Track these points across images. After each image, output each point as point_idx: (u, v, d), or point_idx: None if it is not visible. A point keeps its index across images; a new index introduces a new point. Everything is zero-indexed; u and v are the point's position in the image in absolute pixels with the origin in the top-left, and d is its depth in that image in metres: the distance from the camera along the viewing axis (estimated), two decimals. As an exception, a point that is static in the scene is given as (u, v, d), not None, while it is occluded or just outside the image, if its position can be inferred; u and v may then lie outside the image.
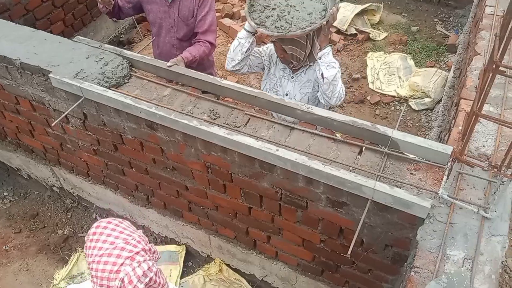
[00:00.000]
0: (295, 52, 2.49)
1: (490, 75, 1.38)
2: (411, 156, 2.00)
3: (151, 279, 1.32)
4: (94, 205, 3.67)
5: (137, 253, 1.32)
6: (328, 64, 2.44)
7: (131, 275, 1.28)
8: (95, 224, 1.42)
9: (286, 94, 2.72)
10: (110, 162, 2.97)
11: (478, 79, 2.38)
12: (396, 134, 1.98)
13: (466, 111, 2.21)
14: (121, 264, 1.29)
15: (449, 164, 1.91)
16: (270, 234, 2.60)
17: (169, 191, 2.86)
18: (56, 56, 2.60)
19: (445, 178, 1.86)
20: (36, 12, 4.42)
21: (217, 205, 2.69)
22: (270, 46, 2.75)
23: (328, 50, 2.46)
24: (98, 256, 1.32)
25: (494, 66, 1.33)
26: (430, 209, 1.76)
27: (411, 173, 1.93)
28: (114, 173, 3.06)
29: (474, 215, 1.78)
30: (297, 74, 2.69)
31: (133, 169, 2.90)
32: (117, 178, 3.12)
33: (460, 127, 2.15)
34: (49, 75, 2.46)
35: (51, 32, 4.51)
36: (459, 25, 5.79)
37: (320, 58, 2.46)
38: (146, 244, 1.37)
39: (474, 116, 1.51)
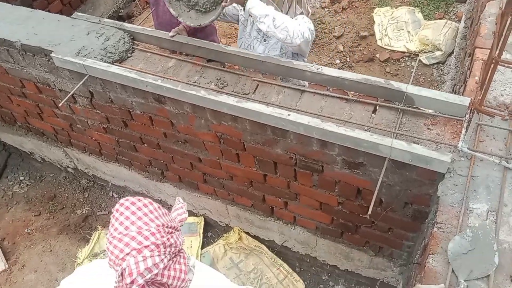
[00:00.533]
0: (271, 5, 2.26)
1: (510, 18, 1.31)
2: (427, 110, 1.94)
3: (156, 275, 1.26)
4: (110, 183, 3.69)
5: (146, 246, 1.26)
6: (259, 19, 2.17)
7: (133, 268, 1.24)
8: (121, 200, 1.36)
9: None
10: (122, 139, 2.96)
11: (496, 24, 2.28)
12: (410, 89, 1.92)
13: (483, 59, 2.13)
14: (127, 254, 1.25)
15: (467, 116, 1.85)
16: (287, 200, 2.59)
17: (183, 164, 2.85)
18: (56, 35, 2.54)
19: (463, 130, 1.81)
20: (32, -8, 4.33)
21: (231, 174, 2.67)
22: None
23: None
24: (111, 237, 1.30)
25: (514, 8, 1.25)
26: (450, 163, 1.71)
27: (428, 128, 1.87)
28: (126, 150, 3.05)
29: (496, 167, 1.73)
30: (269, 37, 2.51)
31: (145, 144, 2.88)
32: (129, 155, 3.11)
33: (477, 77, 2.07)
34: (51, 54, 2.42)
35: (49, 11, 4.42)
36: (468, -28, 5.56)
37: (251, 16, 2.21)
38: (161, 237, 1.29)
39: (493, 64, 1.44)
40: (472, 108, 1.76)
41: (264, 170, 2.45)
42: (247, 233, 3.19)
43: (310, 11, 2.53)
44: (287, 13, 2.37)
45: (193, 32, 2.66)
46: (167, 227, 1.33)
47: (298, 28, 2.17)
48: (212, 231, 3.44)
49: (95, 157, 3.42)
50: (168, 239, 1.31)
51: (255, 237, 3.18)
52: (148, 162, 3.08)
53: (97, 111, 2.78)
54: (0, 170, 4.06)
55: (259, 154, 2.35)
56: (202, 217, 3.37)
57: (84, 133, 3.15)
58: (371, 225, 2.35)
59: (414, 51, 4.66)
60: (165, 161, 2.96)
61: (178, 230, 1.41)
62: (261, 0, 2.19)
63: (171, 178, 3.12)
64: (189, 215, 3.34)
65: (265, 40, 2.55)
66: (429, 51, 4.59)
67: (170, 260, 1.31)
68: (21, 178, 4.05)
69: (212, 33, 3.20)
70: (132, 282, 1.24)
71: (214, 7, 2.25)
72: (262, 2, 2.17)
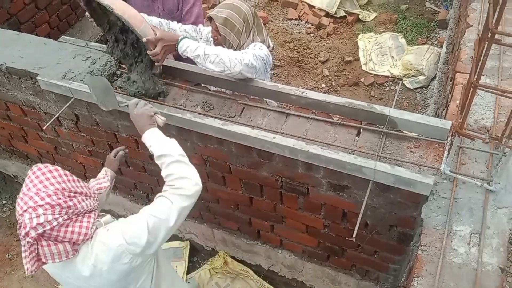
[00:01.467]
0: (229, 36, 2.29)
1: (486, 44, 1.35)
2: (410, 134, 1.97)
3: (51, 229, 1.49)
4: (94, 207, 3.64)
5: (41, 205, 1.48)
6: (194, 59, 2.17)
7: (27, 222, 1.46)
8: (33, 167, 1.58)
9: None
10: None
11: (474, 49, 2.34)
12: (393, 112, 1.95)
13: (463, 84, 2.18)
14: (24, 211, 1.48)
15: (449, 139, 1.88)
16: (273, 223, 2.58)
17: (168, 187, 2.83)
18: (42, 58, 2.55)
19: (446, 153, 1.84)
20: (20, 15, 4.33)
21: (217, 197, 2.66)
22: (210, 29, 2.50)
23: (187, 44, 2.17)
24: (18, 196, 1.54)
25: (489, 34, 1.29)
26: (433, 185, 1.74)
27: (411, 151, 1.90)
28: (111, 173, 3.02)
29: (478, 189, 1.76)
30: None
31: (130, 167, 2.86)
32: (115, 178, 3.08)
33: (458, 101, 2.12)
34: (37, 77, 2.42)
35: (36, 35, 4.41)
36: (448, 0, 5.74)
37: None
38: (58, 199, 1.51)
39: (472, 88, 1.48)
40: (454, 131, 1.79)
41: (250, 193, 2.45)
42: (233, 257, 3.15)
43: (272, 45, 2.51)
44: (244, 44, 2.35)
45: (179, 56, 2.67)
46: (68, 191, 1.55)
47: (235, 56, 2.10)
48: (198, 256, 3.39)
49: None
50: (65, 201, 1.52)
51: (241, 262, 3.14)
52: (133, 186, 3.06)
53: (83, 134, 2.77)
54: (-18, 194, 3.98)
55: (245, 177, 2.35)
56: (188, 241, 3.33)
57: (69, 156, 3.12)
58: (357, 248, 2.34)
59: (398, 76, 4.76)
60: (150, 184, 2.93)
61: (88, 196, 1.64)
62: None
63: (157, 201, 3.09)
64: (175, 240, 3.31)
65: None
66: (412, 76, 4.70)
67: (68, 219, 1.54)
68: (4, 202, 3.98)
69: None
70: (26, 234, 1.48)
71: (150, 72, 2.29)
72: (192, 42, 2.15)
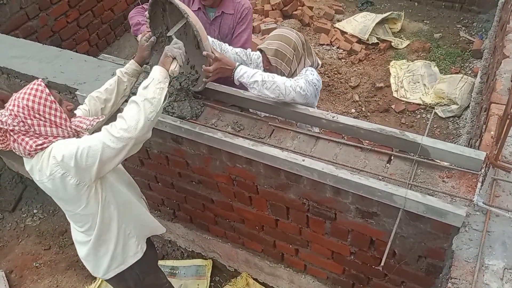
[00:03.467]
0: (280, 65, 2.35)
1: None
2: (442, 163, 1.94)
3: (8, 129, 1.84)
4: (121, 221, 3.70)
5: (9, 110, 1.83)
6: (249, 86, 2.23)
7: None
8: (37, 80, 1.89)
9: None
10: (136, 177, 2.97)
11: (511, 81, 2.31)
12: (426, 140, 1.93)
13: (498, 115, 2.14)
14: (2, 107, 1.89)
15: (482, 170, 1.84)
16: (298, 247, 2.56)
17: (195, 204, 2.86)
18: (82, 74, 2.65)
19: (479, 184, 1.80)
20: (62, 33, 4.54)
21: (243, 218, 2.66)
22: (260, 54, 2.57)
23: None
24: None
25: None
26: (465, 217, 1.70)
27: (443, 181, 1.87)
28: (140, 188, 3.07)
29: (512, 223, 1.71)
30: None
31: (159, 183, 2.91)
32: (143, 193, 3.12)
33: (492, 132, 2.08)
34: (76, 92, 2.51)
35: (76, 51, 4.60)
36: (483, 30, 5.68)
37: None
38: (23, 113, 1.82)
39: (508, 119, 1.46)
40: (488, 163, 1.75)
41: (276, 214, 2.44)
42: (255, 279, 3.13)
43: (320, 62, 2.59)
44: (295, 70, 2.41)
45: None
46: (36, 112, 1.82)
47: (290, 83, 2.18)
48: (220, 275, 3.38)
49: (109, 193, 3.44)
50: (26, 118, 1.82)
51: (263, 284, 3.11)
52: (161, 201, 3.10)
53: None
54: (15, 202, 4.10)
55: (272, 198, 2.36)
56: (211, 260, 3.33)
57: (100, 170, 3.19)
58: (383, 278, 2.29)
59: (429, 104, 4.70)
60: (177, 200, 2.97)
61: (56, 124, 1.88)
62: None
63: (183, 218, 3.12)
64: (198, 257, 3.32)
65: None
66: (444, 104, 4.63)
67: (25, 132, 1.84)
68: (35, 211, 4.08)
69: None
70: None
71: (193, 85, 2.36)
72: (249, 69, 2.22)
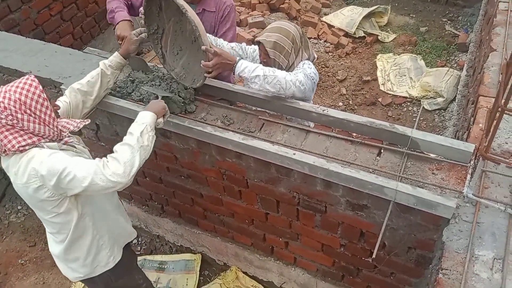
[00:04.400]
0: (278, 58, 2.34)
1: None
2: (432, 155, 1.95)
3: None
4: (108, 216, 3.65)
5: None
6: (251, 80, 2.19)
7: None
8: (29, 75, 1.83)
9: None
10: (124, 172, 2.95)
11: (501, 73, 2.32)
12: (416, 133, 1.94)
13: (487, 108, 2.16)
14: None
15: (472, 162, 1.86)
16: (288, 240, 2.56)
17: (184, 199, 2.83)
18: (67, 67, 2.60)
19: (469, 176, 1.81)
20: (45, 26, 4.44)
21: (232, 212, 2.65)
22: (255, 48, 2.59)
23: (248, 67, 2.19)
24: None
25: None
26: (455, 209, 1.71)
27: (433, 173, 1.88)
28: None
29: (501, 214, 1.72)
30: None
31: (147, 178, 2.88)
32: (130, 188, 3.10)
33: (481, 125, 2.10)
34: (61, 86, 2.46)
35: (60, 45, 4.51)
36: (468, 24, 5.74)
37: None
38: (14, 107, 1.72)
39: (499, 112, 1.47)
40: (478, 155, 1.77)
41: (266, 208, 2.44)
42: (245, 273, 3.12)
43: (316, 55, 2.58)
44: (293, 63, 2.41)
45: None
46: (27, 107, 1.75)
47: (290, 78, 2.17)
48: (209, 270, 3.37)
49: (96, 189, 3.40)
50: (16, 111, 1.73)
51: (253, 278, 3.11)
52: (149, 196, 3.07)
53: (102, 143, 2.79)
54: (-2, 198, 4.02)
55: (262, 192, 2.35)
56: (200, 254, 3.31)
57: (86, 165, 3.14)
58: (373, 269, 2.31)
59: (416, 97, 4.74)
60: (166, 195, 2.94)
61: (44, 122, 1.81)
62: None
63: (171, 213, 3.10)
64: (187, 252, 3.30)
65: None
66: (431, 97, 4.67)
67: (11, 126, 1.75)
68: (19, 207, 4.01)
69: (226, 77, 3.17)
70: None
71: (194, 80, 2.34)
72: (249, 63, 2.19)
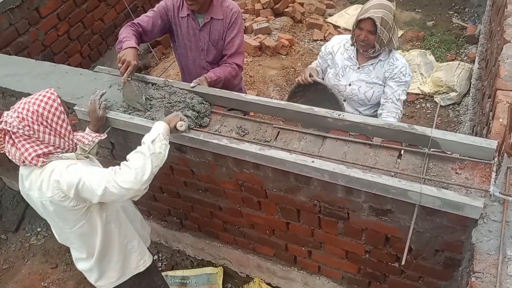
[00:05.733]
0: (382, 34, 2.43)
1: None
2: (453, 154, 1.90)
3: (11, 131, 1.82)
4: (127, 233, 3.65)
5: (18, 112, 1.83)
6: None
7: (4, 115, 1.84)
8: (50, 89, 1.94)
9: (349, 85, 2.67)
10: (141, 189, 2.94)
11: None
12: (435, 133, 1.89)
13: (506, 102, 2.11)
14: (12, 108, 1.88)
15: (495, 159, 1.81)
16: (311, 249, 2.52)
17: (203, 212, 2.81)
18: (79, 88, 2.60)
19: (493, 174, 1.76)
20: (53, 47, 4.49)
21: (253, 223, 2.62)
22: (327, 45, 2.82)
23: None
24: None
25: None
26: (483, 208, 1.66)
27: (456, 173, 1.83)
28: (145, 199, 3.03)
29: (531, 211, 1.67)
30: (363, 66, 2.64)
31: (165, 193, 2.86)
32: (148, 205, 3.09)
33: (501, 120, 2.05)
34: (74, 107, 2.46)
35: (69, 64, 4.56)
36: (475, 15, 5.67)
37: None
38: (31, 118, 1.82)
39: (524, 107, 1.42)
40: (504, 152, 1.72)
41: (287, 218, 2.40)
42: (268, 284, 3.09)
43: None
44: (391, 38, 2.53)
45: (214, 84, 2.68)
46: (44, 119, 1.84)
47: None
48: (232, 282, 3.34)
49: (114, 207, 3.40)
50: (33, 122, 1.82)
51: (277, 288, 3.08)
52: (167, 211, 3.05)
53: (117, 161, 2.78)
54: (17, 221, 4.04)
55: (282, 202, 2.32)
56: (222, 267, 3.28)
57: (103, 183, 3.15)
58: (400, 274, 2.26)
59: (428, 93, 4.68)
60: (184, 210, 2.93)
61: (60, 135, 1.91)
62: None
63: (190, 227, 3.08)
64: (208, 266, 3.28)
65: (358, 68, 2.66)
66: (443, 93, 4.61)
67: (27, 137, 1.83)
68: (38, 229, 4.02)
69: (237, 84, 3.19)
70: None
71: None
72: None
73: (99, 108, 2.31)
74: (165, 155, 1.99)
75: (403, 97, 2.59)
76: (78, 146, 2.12)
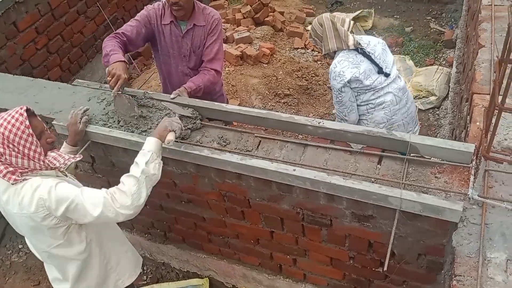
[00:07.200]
0: (314, 42, 2.93)
1: (510, 67, 1.33)
2: (432, 159, 1.93)
3: None
4: (111, 247, 3.60)
5: None
6: None
7: None
8: (19, 108, 1.83)
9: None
10: (123, 202, 2.91)
11: (494, 72, 2.32)
12: (414, 138, 1.92)
13: (482, 105, 2.15)
14: None
15: (473, 162, 1.84)
16: (296, 257, 2.52)
17: (187, 224, 2.79)
18: (57, 102, 2.57)
19: (472, 177, 1.79)
20: (32, 60, 4.43)
21: (237, 233, 2.61)
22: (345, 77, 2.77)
23: None
24: None
25: (513, 57, 1.27)
26: (462, 212, 1.68)
27: (435, 177, 1.85)
28: (128, 212, 3.00)
29: (509, 213, 1.70)
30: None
31: (147, 206, 2.82)
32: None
33: (478, 123, 2.08)
34: (53, 122, 2.43)
35: (48, 78, 4.51)
36: (452, 20, 5.78)
37: None
38: None
39: (497, 111, 1.45)
40: (481, 155, 1.75)
41: (271, 226, 2.40)
42: (255, 293, 3.07)
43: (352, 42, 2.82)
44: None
45: (194, 93, 2.67)
46: (10, 142, 1.76)
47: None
48: (218, 293, 3.31)
49: (96, 221, 3.35)
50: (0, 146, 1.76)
51: (263, 297, 3.06)
52: (151, 224, 3.02)
53: (99, 175, 2.76)
54: (-2, 239, 3.96)
55: (265, 211, 2.31)
56: (207, 278, 3.25)
57: (85, 198, 3.10)
58: (385, 279, 2.27)
59: (408, 98, 4.73)
60: (168, 222, 2.90)
61: (29, 157, 1.81)
62: None
63: (174, 239, 3.05)
64: (194, 277, 3.24)
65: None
66: (423, 97, 4.67)
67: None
68: (20, 246, 3.94)
69: (219, 91, 3.21)
70: None
71: None
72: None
73: (79, 121, 2.28)
74: (159, 175, 2.00)
75: (335, 99, 2.75)
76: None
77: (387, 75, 2.82)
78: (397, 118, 2.86)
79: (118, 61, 2.40)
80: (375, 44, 2.85)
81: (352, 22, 2.62)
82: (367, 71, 2.75)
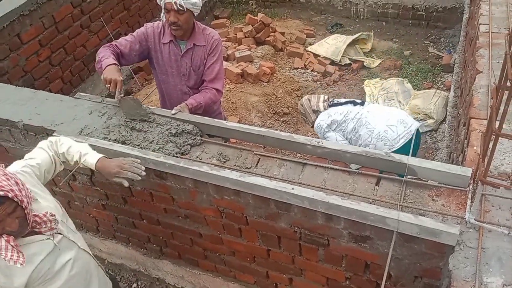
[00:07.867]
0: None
1: (507, 93, 1.36)
2: (429, 181, 1.95)
3: None
4: (106, 261, 3.57)
5: None
6: None
7: None
8: None
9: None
10: (120, 216, 2.91)
11: (491, 98, 2.35)
12: (412, 160, 1.94)
13: (479, 130, 2.18)
14: None
15: (470, 186, 1.86)
16: (292, 276, 2.51)
17: (183, 240, 2.79)
18: (58, 114, 2.59)
19: (469, 201, 1.81)
20: (34, 72, 4.46)
21: (233, 250, 2.60)
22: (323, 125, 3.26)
23: None
24: None
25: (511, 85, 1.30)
26: (459, 235, 1.69)
27: (433, 200, 1.87)
28: (124, 226, 2.99)
29: (505, 237, 1.71)
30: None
31: (144, 220, 2.83)
32: (128, 231, 3.05)
33: (475, 147, 2.11)
34: (54, 134, 2.44)
35: (50, 90, 4.54)
36: (450, 44, 5.87)
37: None
38: None
39: (494, 137, 1.47)
40: (478, 180, 1.77)
41: (268, 245, 2.40)
42: (249, 311, 3.05)
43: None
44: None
45: (195, 110, 2.70)
46: None
47: None
48: (212, 310, 3.28)
49: (92, 234, 3.34)
50: None
51: (258, 316, 3.03)
52: (147, 239, 3.01)
53: (97, 188, 2.76)
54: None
55: (262, 229, 2.31)
56: (202, 295, 3.23)
57: (82, 210, 3.10)
58: (380, 301, 2.26)
59: (406, 120, 4.77)
60: (164, 237, 2.89)
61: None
62: None
63: (170, 254, 3.04)
64: (189, 294, 3.22)
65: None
66: (421, 120, 4.71)
67: None
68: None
69: (217, 109, 3.23)
70: None
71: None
72: None
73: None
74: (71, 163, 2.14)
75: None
76: None
77: (362, 103, 3.25)
78: (380, 128, 3.04)
79: (109, 64, 2.45)
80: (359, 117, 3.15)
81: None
82: (339, 111, 3.22)
